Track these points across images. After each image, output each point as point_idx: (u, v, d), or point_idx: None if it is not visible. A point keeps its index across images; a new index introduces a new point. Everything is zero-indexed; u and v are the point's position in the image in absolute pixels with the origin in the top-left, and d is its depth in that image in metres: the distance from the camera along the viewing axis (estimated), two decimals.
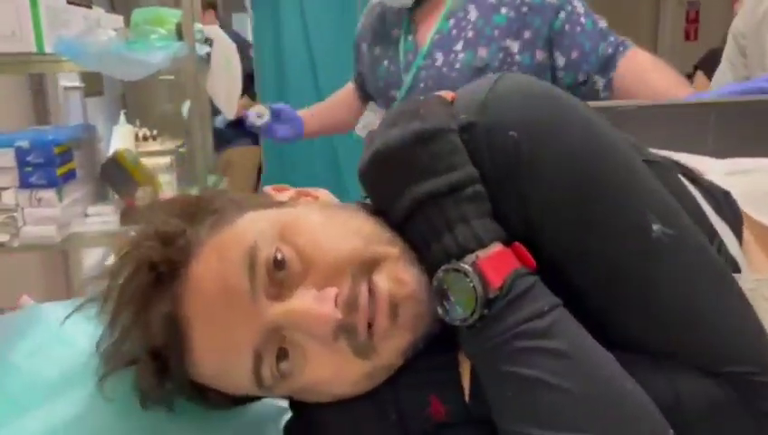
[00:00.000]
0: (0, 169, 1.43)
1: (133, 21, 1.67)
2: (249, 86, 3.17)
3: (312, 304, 0.48)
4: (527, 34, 1.29)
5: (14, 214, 1.45)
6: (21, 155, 1.43)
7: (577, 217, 0.49)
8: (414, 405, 0.52)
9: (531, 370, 0.45)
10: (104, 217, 1.60)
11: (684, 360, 0.49)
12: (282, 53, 3.48)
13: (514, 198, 0.50)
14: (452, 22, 1.35)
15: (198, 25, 1.72)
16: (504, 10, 1.30)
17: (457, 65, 1.33)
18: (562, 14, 1.28)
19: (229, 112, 1.96)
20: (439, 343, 0.53)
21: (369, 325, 0.49)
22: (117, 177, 1.66)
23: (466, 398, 0.51)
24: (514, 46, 1.30)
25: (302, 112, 1.74)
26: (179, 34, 1.57)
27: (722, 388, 0.47)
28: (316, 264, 0.50)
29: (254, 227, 0.51)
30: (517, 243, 0.49)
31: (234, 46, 1.89)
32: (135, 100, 4.09)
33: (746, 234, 0.61)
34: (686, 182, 0.61)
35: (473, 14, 1.34)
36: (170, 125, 3.20)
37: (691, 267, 0.50)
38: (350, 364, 0.50)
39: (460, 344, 0.50)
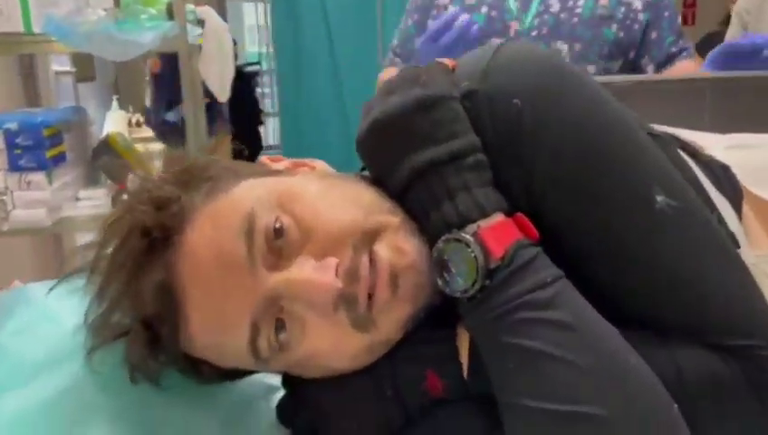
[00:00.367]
0: None
1: (123, 0, 1.65)
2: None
3: (313, 273, 0.47)
4: None
5: (4, 197, 1.44)
6: (9, 137, 1.42)
7: (582, 188, 0.48)
8: (409, 379, 0.51)
9: (533, 341, 0.44)
10: (96, 201, 1.59)
11: (687, 333, 0.48)
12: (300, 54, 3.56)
13: (517, 166, 0.49)
14: None
15: (190, 6, 1.70)
16: None
17: (578, 10, 1.27)
18: None
19: (222, 95, 1.94)
20: (439, 319, 0.51)
21: (369, 296, 0.48)
22: (108, 160, 1.64)
23: (465, 374, 0.50)
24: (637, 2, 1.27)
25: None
26: (170, 14, 1.55)
27: (726, 363, 0.47)
28: (315, 233, 0.48)
29: (251, 195, 0.50)
30: (519, 213, 0.48)
31: (226, 27, 1.86)
32: (127, 85, 4.05)
33: (746, 208, 0.60)
34: (686, 157, 0.60)
35: None
36: None
37: (696, 240, 0.49)
38: (348, 337, 0.48)
39: (460, 317, 0.49)
